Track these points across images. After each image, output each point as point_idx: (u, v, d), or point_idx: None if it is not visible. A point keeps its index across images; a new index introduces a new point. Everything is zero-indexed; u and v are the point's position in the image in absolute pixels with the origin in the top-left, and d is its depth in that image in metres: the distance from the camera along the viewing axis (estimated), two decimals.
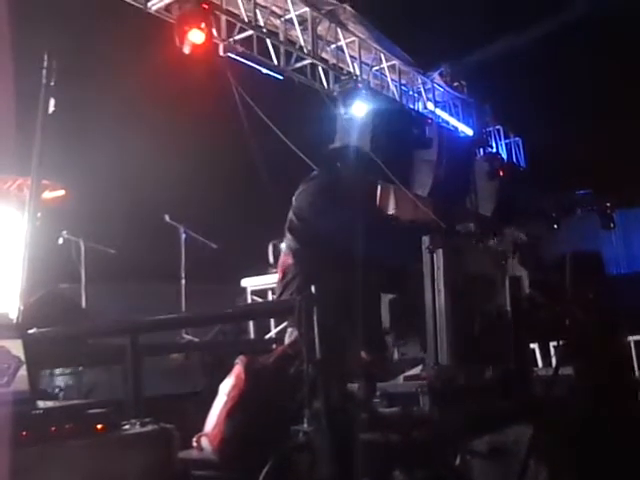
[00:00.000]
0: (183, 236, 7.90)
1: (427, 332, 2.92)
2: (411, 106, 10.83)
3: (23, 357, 2.40)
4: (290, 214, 4.14)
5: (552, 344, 6.34)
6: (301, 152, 6.48)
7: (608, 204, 14.12)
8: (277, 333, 6.83)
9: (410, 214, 10.86)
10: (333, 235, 3.81)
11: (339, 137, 9.31)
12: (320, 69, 9.14)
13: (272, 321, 7.16)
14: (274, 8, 8.37)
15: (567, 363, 3.69)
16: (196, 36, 6.81)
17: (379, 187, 10.77)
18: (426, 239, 2.93)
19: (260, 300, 7.72)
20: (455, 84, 12.05)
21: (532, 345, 6.46)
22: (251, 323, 7.52)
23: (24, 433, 2.07)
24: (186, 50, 6.90)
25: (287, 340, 3.93)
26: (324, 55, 9.15)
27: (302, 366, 2.38)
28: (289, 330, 3.98)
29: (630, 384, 4.37)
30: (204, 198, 7.02)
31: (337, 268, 3.63)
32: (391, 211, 10.80)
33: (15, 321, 4.13)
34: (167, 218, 7.88)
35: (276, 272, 4.45)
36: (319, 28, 8.82)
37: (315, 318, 2.38)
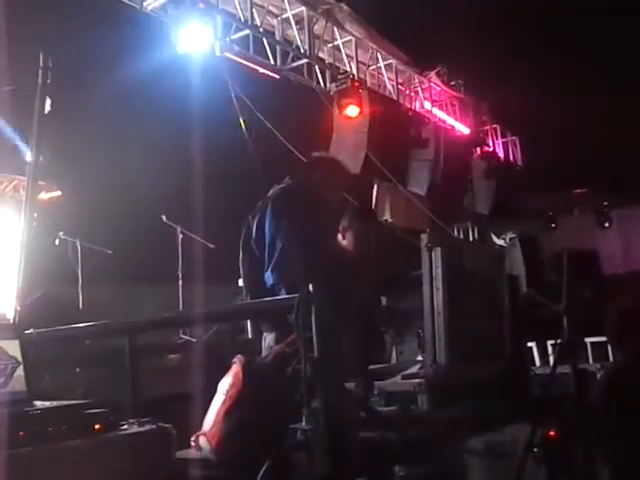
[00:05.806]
0: (180, 236, 7.89)
1: (425, 331, 2.92)
2: (408, 105, 10.83)
3: (20, 358, 2.40)
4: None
5: (550, 343, 6.36)
6: (297, 151, 6.47)
7: (605, 203, 14.13)
8: None
9: (405, 215, 10.89)
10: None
11: (335, 137, 9.32)
12: (317, 68, 9.14)
13: None
14: (271, 7, 8.35)
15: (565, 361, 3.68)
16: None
17: (375, 187, 10.81)
18: (424, 237, 2.92)
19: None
20: (452, 83, 12.05)
21: (530, 344, 6.48)
22: (248, 322, 7.49)
23: (21, 433, 2.06)
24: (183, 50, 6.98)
25: (263, 345, 3.91)
26: (321, 54, 9.14)
27: (300, 365, 2.38)
28: (264, 335, 3.95)
29: None
30: (201, 198, 6.99)
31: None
32: (387, 214, 10.81)
33: (12, 322, 4.12)
34: (164, 218, 7.87)
35: None
36: (315, 27, 8.80)
37: (313, 317, 2.37)
